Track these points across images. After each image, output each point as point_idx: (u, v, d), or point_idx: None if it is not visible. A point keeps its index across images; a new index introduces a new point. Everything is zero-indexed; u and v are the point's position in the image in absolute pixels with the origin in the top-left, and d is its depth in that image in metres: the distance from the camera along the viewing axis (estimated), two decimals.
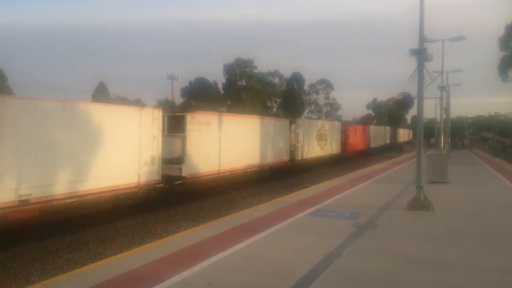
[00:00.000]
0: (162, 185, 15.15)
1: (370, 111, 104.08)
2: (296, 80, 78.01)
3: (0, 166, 10.04)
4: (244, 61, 72.28)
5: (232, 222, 10.13)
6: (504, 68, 35.84)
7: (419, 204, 11.60)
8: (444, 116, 35.43)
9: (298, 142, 27.17)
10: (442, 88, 31.03)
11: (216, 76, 74.86)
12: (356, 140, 42.92)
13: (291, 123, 27.39)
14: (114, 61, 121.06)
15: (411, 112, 79.57)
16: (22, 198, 10.43)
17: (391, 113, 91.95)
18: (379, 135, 55.35)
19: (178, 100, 67.76)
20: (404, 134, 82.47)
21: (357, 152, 42.14)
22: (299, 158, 27.31)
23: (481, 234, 9.03)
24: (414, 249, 7.77)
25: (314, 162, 29.92)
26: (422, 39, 11.89)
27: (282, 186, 20.29)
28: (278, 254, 7.47)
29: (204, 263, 6.83)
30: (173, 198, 15.56)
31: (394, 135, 68.54)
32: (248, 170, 21.25)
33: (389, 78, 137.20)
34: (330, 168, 29.87)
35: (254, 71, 73.16)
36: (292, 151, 26.72)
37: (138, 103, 51.77)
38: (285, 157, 25.80)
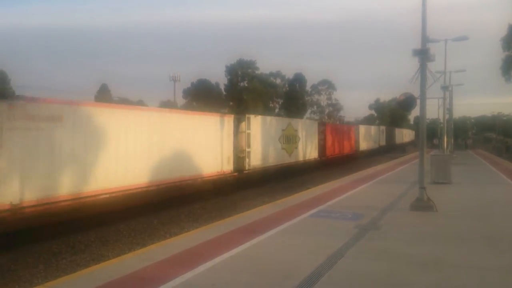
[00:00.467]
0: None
1: (373, 112, 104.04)
2: (298, 81, 77.97)
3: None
4: (246, 62, 72.03)
5: (235, 223, 10.14)
6: (507, 68, 35.76)
7: (422, 205, 11.57)
8: (447, 116, 35.34)
9: (249, 146, 20.79)
10: (445, 88, 31.00)
11: (218, 77, 74.80)
12: (340, 142, 36.78)
13: (239, 120, 20.65)
14: (116, 62, 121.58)
15: (414, 113, 79.60)
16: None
17: (393, 113, 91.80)
18: (370, 136, 49.04)
19: (180, 101, 68.02)
20: (406, 135, 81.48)
21: (340, 157, 35.98)
22: (248, 168, 20.65)
23: (484, 235, 8.99)
24: (417, 250, 7.75)
25: (275, 171, 23.44)
26: (425, 39, 11.85)
27: (284, 188, 20.28)
28: (281, 255, 7.47)
29: (207, 264, 6.83)
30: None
31: (391, 136, 61.97)
32: (134, 191, 13.73)
33: (391, 78, 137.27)
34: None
35: (256, 72, 72.94)
36: (241, 158, 20.45)
37: (140, 104, 51.93)
38: (227, 167, 19.21)
